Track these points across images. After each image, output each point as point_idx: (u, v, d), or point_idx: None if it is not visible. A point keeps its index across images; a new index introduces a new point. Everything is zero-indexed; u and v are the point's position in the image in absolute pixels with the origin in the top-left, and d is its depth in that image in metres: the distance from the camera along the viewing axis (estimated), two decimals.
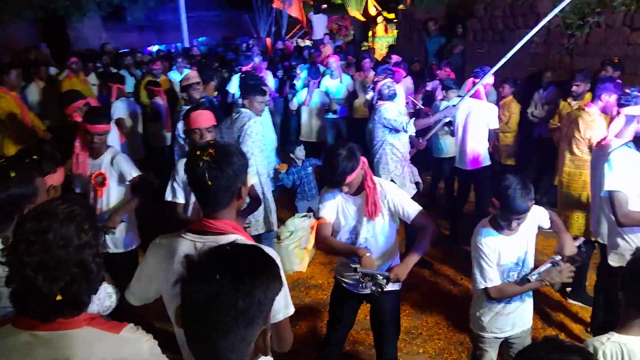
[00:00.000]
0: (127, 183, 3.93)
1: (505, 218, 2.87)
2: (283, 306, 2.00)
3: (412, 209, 3.10)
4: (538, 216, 3.06)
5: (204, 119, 3.68)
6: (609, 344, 2.01)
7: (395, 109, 5.25)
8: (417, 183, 5.41)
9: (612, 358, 1.99)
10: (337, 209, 3.21)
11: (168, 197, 3.73)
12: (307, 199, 6.26)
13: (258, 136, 4.59)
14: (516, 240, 2.98)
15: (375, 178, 3.13)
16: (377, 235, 3.18)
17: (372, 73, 8.45)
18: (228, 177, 1.96)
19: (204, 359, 1.27)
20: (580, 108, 4.79)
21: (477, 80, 5.64)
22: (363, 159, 3.04)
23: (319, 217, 3.23)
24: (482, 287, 2.96)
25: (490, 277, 2.94)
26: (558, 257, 2.94)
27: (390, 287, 3.17)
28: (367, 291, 3.09)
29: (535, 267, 3.03)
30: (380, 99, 5.35)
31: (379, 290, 2.94)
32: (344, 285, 3.36)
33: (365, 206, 3.07)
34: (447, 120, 5.83)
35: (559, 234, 3.07)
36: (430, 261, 5.63)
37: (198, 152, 1.98)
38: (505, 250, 2.96)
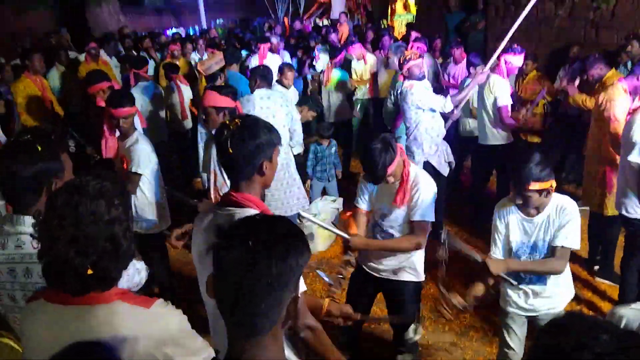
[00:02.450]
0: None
1: (515, 191, 2.82)
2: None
3: (422, 213, 3.05)
4: (566, 212, 2.83)
5: (214, 98, 3.75)
6: (631, 311, 2.00)
7: (425, 90, 5.16)
8: (449, 162, 5.36)
9: (634, 323, 1.95)
10: (370, 194, 3.27)
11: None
12: (326, 180, 6.20)
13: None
14: (534, 224, 2.91)
15: (412, 168, 3.11)
16: (401, 224, 3.16)
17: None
18: (250, 148, 1.98)
19: (237, 324, 1.28)
20: (609, 84, 4.68)
21: (507, 56, 5.49)
22: (400, 147, 3.02)
23: (355, 205, 3.33)
24: (479, 260, 2.98)
25: (492, 250, 3.02)
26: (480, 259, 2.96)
27: (407, 277, 3.25)
28: (386, 275, 3.21)
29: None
30: (409, 78, 5.22)
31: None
32: (365, 268, 3.36)
33: (397, 194, 3.05)
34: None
35: (530, 262, 2.95)
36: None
37: (227, 122, 2.05)
38: (520, 229, 2.93)
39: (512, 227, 2.95)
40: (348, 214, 3.41)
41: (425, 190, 3.06)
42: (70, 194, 1.54)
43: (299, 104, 5.60)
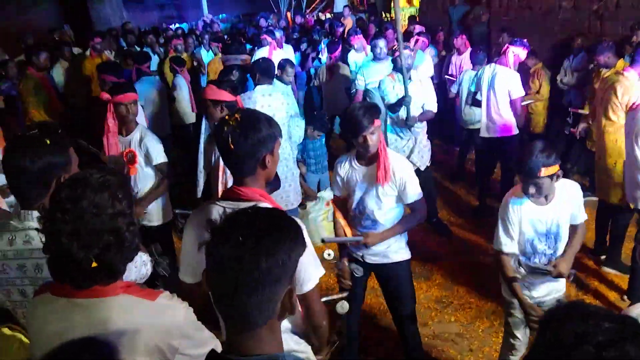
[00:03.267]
0: (155, 165, 3.94)
1: (523, 182, 2.83)
2: (312, 272, 1.98)
3: (413, 192, 3.07)
4: (576, 196, 2.96)
5: (213, 91, 3.76)
6: None
7: (392, 82, 5.13)
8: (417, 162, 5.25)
9: None
10: (343, 180, 3.23)
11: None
12: (320, 172, 6.18)
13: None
14: (545, 211, 2.91)
15: (388, 149, 3.11)
16: (383, 207, 3.13)
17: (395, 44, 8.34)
18: (252, 142, 1.97)
19: (232, 318, 1.28)
20: (618, 72, 4.64)
21: (515, 48, 5.48)
22: (377, 121, 3.01)
23: (334, 194, 3.34)
24: (496, 247, 3.02)
25: (504, 242, 2.98)
26: (551, 268, 2.90)
27: (399, 257, 3.25)
28: (375, 259, 3.23)
29: None
30: (395, 70, 5.22)
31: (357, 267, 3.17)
32: (353, 254, 3.35)
33: (377, 172, 3.03)
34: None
35: (568, 249, 2.99)
36: (450, 229, 5.60)
37: (227, 117, 2.03)
38: (533, 219, 2.92)
39: (526, 218, 2.94)
40: (333, 209, 3.37)
41: (404, 167, 3.09)
42: (73, 187, 1.54)
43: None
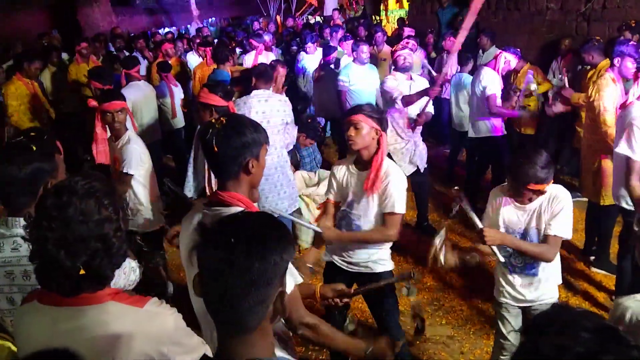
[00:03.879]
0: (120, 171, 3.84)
1: (513, 188, 2.83)
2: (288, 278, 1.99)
3: (393, 204, 3.02)
4: (557, 200, 2.84)
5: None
6: (635, 302, 1.95)
7: (395, 81, 5.19)
8: (414, 163, 5.29)
9: (636, 317, 1.93)
10: (339, 184, 3.23)
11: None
12: (315, 169, 6.18)
13: None
14: (525, 212, 2.93)
15: (386, 160, 3.09)
16: (368, 215, 3.11)
17: (385, 47, 8.35)
18: (235, 145, 1.97)
19: (224, 322, 1.29)
20: (599, 74, 4.71)
21: (505, 53, 5.54)
22: (362, 116, 3.02)
23: (327, 197, 3.32)
24: (479, 227, 2.88)
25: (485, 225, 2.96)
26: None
27: (381, 269, 3.22)
28: (356, 268, 3.21)
29: None
30: (395, 69, 5.30)
31: None
32: (336, 263, 3.32)
33: (366, 180, 3.02)
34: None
35: (523, 242, 2.92)
36: (434, 227, 5.57)
37: (212, 121, 2.04)
38: (511, 218, 2.95)
39: (503, 214, 2.96)
40: (321, 205, 3.37)
41: (397, 182, 3.04)
42: (59, 194, 1.53)
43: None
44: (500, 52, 5.61)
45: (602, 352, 0.96)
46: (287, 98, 4.82)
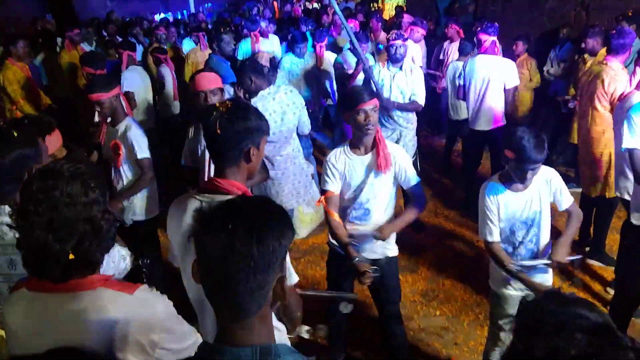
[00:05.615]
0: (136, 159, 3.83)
1: (519, 169, 2.80)
2: (292, 271, 1.99)
3: (413, 176, 3.09)
4: (554, 181, 2.94)
5: (208, 81, 3.62)
6: None
7: (378, 68, 5.12)
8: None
9: None
10: (341, 173, 3.12)
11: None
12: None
13: None
14: (524, 198, 2.92)
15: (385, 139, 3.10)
16: (377, 196, 3.10)
17: (381, 34, 8.26)
18: (238, 129, 1.96)
19: (224, 308, 1.28)
20: (600, 62, 4.64)
21: (494, 38, 5.42)
22: (377, 101, 3.03)
23: (325, 189, 3.15)
24: (482, 238, 3.03)
25: (490, 232, 2.97)
26: (547, 261, 2.90)
27: (392, 253, 3.22)
28: (375, 255, 3.15)
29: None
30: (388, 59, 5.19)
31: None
32: (338, 250, 3.21)
33: (377, 160, 3.00)
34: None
35: (563, 234, 2.96)
36: (423, 223, 5.56)
37: (217, 104, 2.02)
38: (511, 206, 2.93)
39: (504, 205, 2.94)
40: (322, 199, 3.18)
41: (402, 155, 3.10)
42: (44, 178, 1.51)
43: None
44: (480, 34, 5.44)
45: (597, 355, 0.94)
46: (292, 87, 4.63)
